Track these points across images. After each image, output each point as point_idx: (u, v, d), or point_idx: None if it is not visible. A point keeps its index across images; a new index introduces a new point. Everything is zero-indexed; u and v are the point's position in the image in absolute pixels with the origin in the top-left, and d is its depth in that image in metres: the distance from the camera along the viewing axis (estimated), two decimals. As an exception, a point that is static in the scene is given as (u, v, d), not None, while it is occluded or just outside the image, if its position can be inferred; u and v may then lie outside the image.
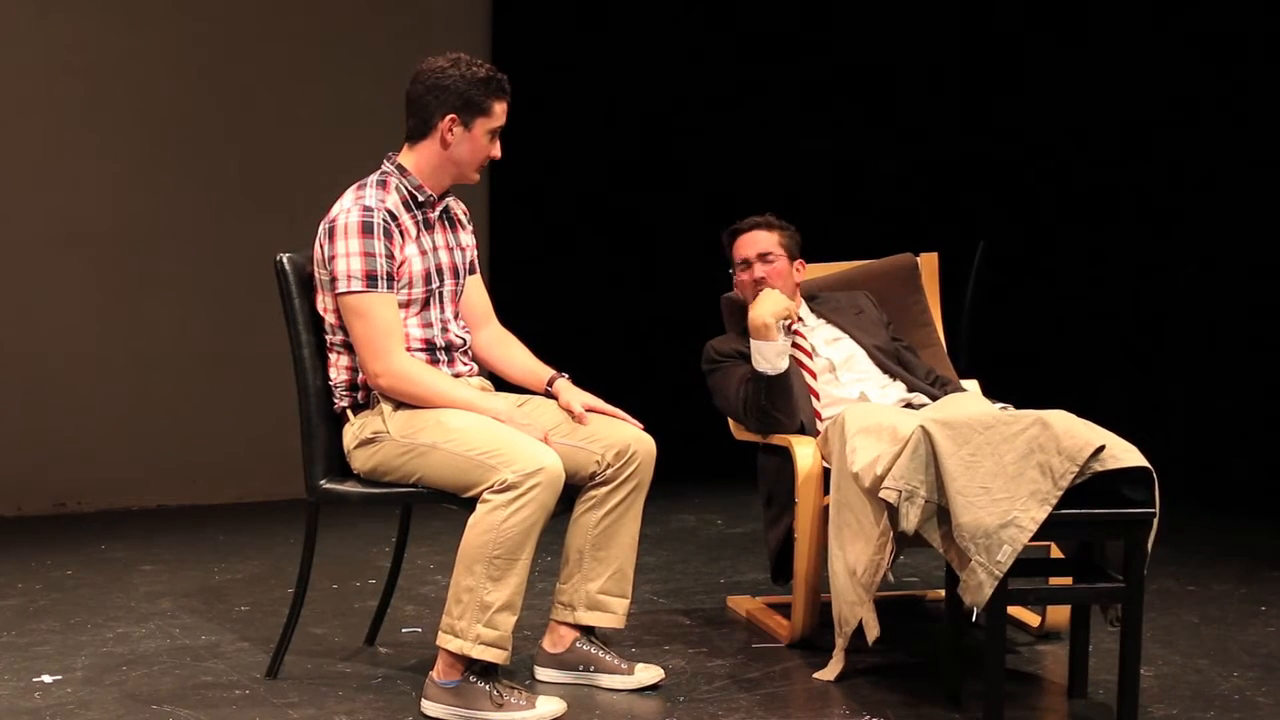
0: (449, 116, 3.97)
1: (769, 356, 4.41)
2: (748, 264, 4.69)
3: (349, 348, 4.00)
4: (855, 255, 5.10)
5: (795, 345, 4.62)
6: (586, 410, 4.10)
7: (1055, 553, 4.26)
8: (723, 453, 5.23)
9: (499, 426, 3.88)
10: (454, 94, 3.96)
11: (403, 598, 4.83)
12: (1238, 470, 6.43)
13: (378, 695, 4.05)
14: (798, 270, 4.75)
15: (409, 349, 3.98)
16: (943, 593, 4.25)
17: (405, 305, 3.99)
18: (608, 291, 7.13)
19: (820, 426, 4.50)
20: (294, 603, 4.17)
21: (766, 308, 4.43)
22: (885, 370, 4.65)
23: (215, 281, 6.57)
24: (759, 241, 4.70)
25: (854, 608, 4.01)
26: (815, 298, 4.84)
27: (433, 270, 4.03)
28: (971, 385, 4.86)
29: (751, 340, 4.43)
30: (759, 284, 4.63)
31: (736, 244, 4.74)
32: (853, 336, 4.70)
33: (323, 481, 4.04)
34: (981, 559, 3.67)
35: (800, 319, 4.70)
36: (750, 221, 4.75)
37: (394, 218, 3.96)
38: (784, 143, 7.21)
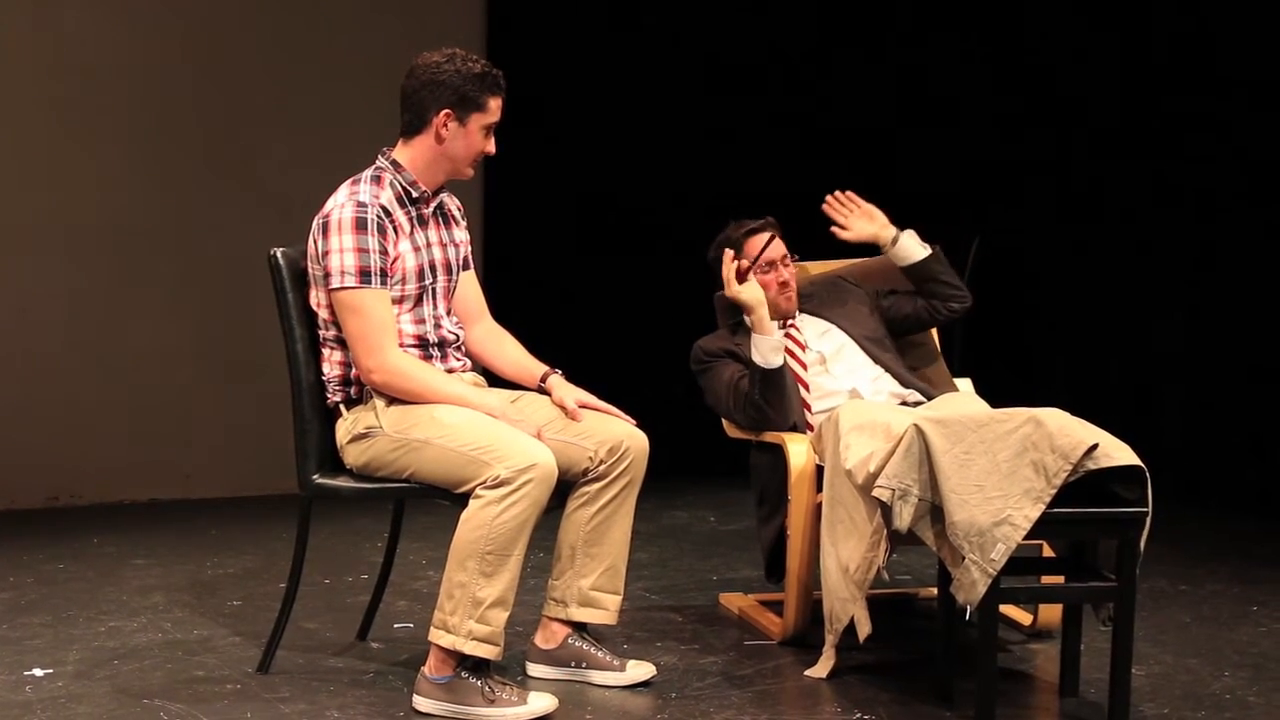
0: (444, 112, 3.96)
1: (764, 351, 4.41)
2: (773, 266, 4.66)
3: (342, 343, 3.99)
4: (850, 252, 5.08)
5: (788, 336, 4.63)
6: (580, 406, 4.10)
7: (1047, 551, 4.26)
8: (716, 450, 5.22)
9: (492, 422, 3.87)
10: (449, 89, 3.95)
11: (395, 593, 4.82)
12: (1231, 470, 6.42)
13: (369, 690, 4.05)
14: None
15: (402, 345, 3.97)
16: (935, 591, 4.25)
17: (398, 301, 3.98)
18: (601, 288, 7.11)
19: (811, 418, 4.50)
20: (286, 597, 4.17)
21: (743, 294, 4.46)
22: (876, 361, 4.65)
23: (209, 276, 6.56)
24: (779, 245, 4.68)
25: (846, 605, 4.01)
26: (802, 294, 4.83)
27: (426, 266, 4.02)
28: (965, 384, 4.86)
29: (752, 335, 4.42)
30: (784, 287, 4.64)
31: (756, 244, 4.65)
32: (841, 327, 4.70)
33: (315, 476, 4.04)
34: (975, 557, 3.67)
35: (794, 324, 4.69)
36: (767, 223, 4.69)
37: (388, 213, 3.95)
38: (782, 138, 7.20)
